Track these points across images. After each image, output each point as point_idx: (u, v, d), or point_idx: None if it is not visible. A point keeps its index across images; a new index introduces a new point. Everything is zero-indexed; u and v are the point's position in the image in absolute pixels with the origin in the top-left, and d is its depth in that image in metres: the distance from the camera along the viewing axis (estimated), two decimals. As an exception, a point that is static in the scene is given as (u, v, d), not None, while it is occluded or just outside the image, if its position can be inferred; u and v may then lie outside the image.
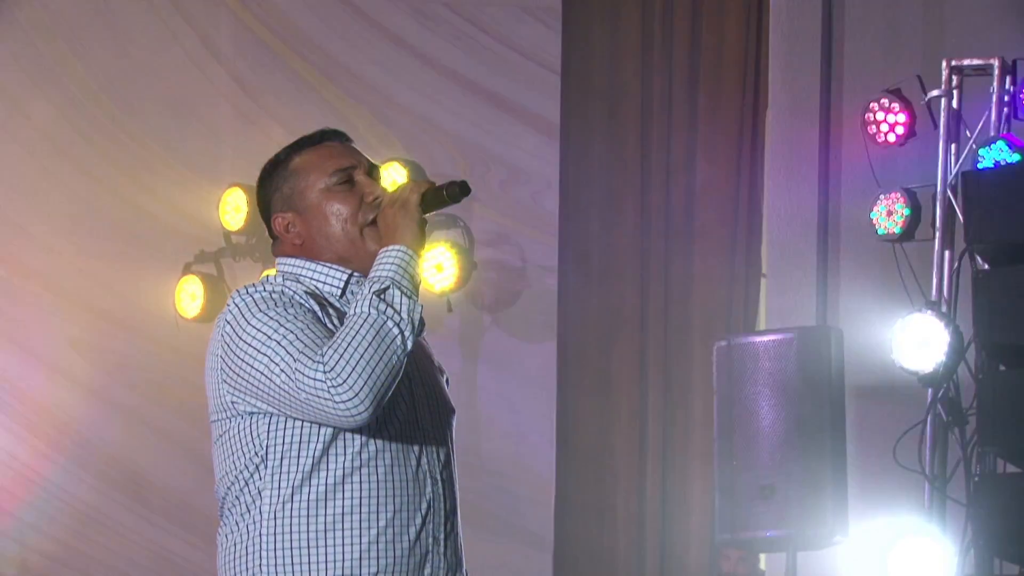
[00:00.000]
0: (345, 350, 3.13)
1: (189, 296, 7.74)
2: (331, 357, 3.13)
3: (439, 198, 3.36)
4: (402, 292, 3.21)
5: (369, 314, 3.17)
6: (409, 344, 3.18)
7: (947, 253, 6.46)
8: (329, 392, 3.12)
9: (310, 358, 3.14)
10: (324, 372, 3.12)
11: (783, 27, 6.97)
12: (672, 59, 7.10)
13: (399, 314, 3.19)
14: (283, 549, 3.22)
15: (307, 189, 3.38)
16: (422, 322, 3.23)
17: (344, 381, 3.12)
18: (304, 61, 7.73)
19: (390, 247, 3.27)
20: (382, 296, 3.19)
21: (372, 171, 3.43)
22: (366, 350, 3.14)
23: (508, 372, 7.37)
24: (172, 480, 7.78)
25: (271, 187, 3.42)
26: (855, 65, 6.83)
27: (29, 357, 8.00)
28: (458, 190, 3.35)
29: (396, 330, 3.17)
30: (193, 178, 7.81)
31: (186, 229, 7.81)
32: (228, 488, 3.30)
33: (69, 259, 7.96)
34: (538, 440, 7.22)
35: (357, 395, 3.12)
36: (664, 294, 7.02)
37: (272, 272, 3.43)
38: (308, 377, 3.13)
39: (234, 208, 7.66)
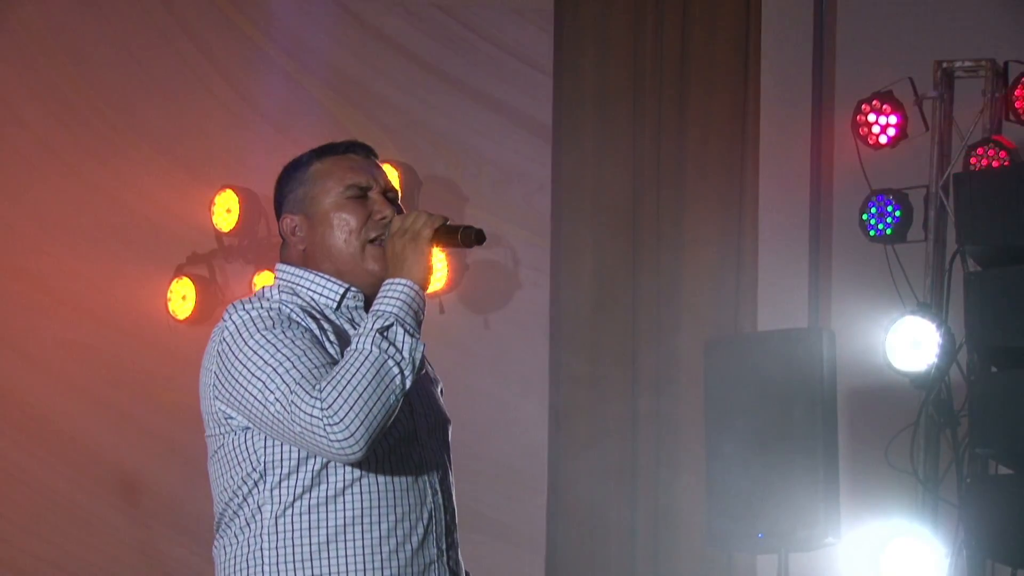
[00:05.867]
0: (344, 388, 3.10)
1: (181, 298, 7.73)
2: (329, 394, 3.10)
3: (452, 240, 3.31)
4: (406, 330, 3.18)
5: (371, 352, 3.13)
6: (408, 384, 3.16)
7: (938, 255, 6.48)
8: (325, 430, 3.09)
9: (307, 392, 3.11)
10: (321, 409, 3.09)
11: (775, 29, 6.98)
12: (664, 59, 7.10)
13: (400, 353, 3.16)
14: (285, 561, 3.21)
15: (320, 195, 3.38)
16: (422, 361, 3.20)
17: (341, 420, 3.09)
18: (296, 63, 7.72)
19: (397, 280, 3.25)
20: (385, 334, 3.16)
21: (388, 192, 3.41)
22: (364, 389, 3.10)
23: (500, 373, 7.36)
24: (162, 481, 7.77)
25: (286, 188, 3.43)
26: (847, 67, 6.84)
27: (20, 358, 8.00)
28: (473, 237, 3.30)
29: (396, 370, 3.14)
30: (185, 180, 7.80)
31: (178, 231, 7.80)
32: (227, 503, 3.29)
33: (61, 261, 7.95)
34: (530, 441, 7.22)
35: (353, 435, 3.09)
36: (656, 295, 7.01)
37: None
38: (304, 412, 3.10)
39: (226, 210, 7.66)
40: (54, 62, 8.01)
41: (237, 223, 7.63)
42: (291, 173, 3.43)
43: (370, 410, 3.10)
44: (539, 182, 7.33)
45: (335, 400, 3.09)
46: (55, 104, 8.01)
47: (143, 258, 7.85)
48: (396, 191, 3.44)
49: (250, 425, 3.23)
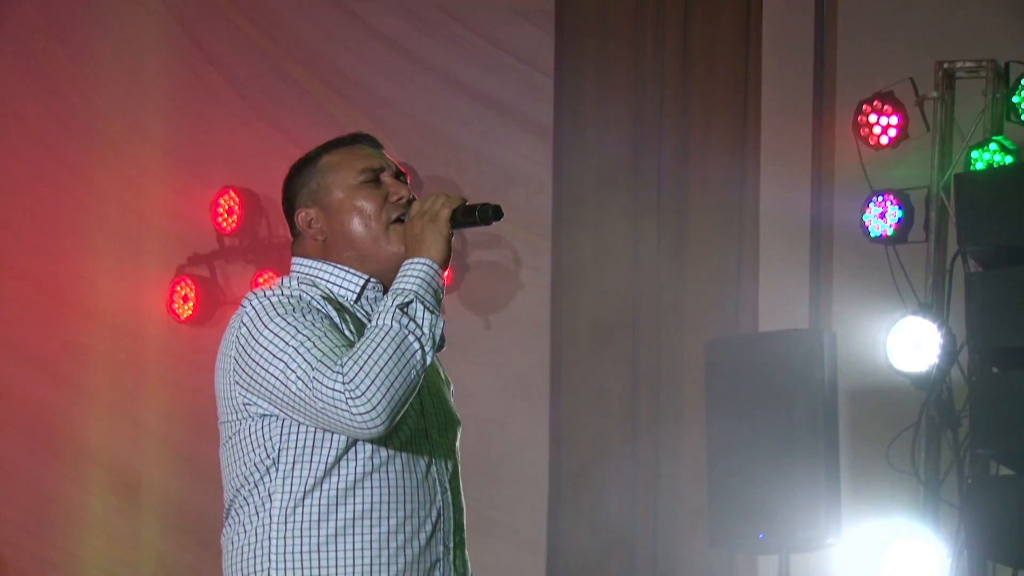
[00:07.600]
0: (365, 362, 3.13)
1: (182, 298, 7.74)
2: (351, 368, 3.13)
3: (470, 218, 3.34)
4: (425, 307, 3.21)
5: (391, 327, 3.17)
6: (428, 360, 3.19)
7: (939, 255, 6.48)
8: (347, 403, 3.12)
9: (329, 367, 3.14)
10: (343, 383, 3.12)
11: (776, 30, 6.98)
12: (664, 61, 7.10)
13: (421, 328, 3.18)
14: (293, 552, 3.22)
15: (333, 185, 3.39)
16: (442, 338, 3.23)
17: (363, 393, 3.11)
18: (297, 63, 7.72)
19: (416, 259, 3.27)
20: (405, 310, 3.19)
21: (399, 176, 3.44)
22: (386, 363, 3.13)
23: (501, 374, 7.36)
24: (164, 482, 7.77)
25: (298, 183, 3.44)
26: (848, 67, 6.83)
27: (20, 358, 7.99)
28: (491, 213, 3.32)
29: (417, 345, 3.17)
30: (186, 180, 7.80)
31: (179, 231, 7.80)
32: (237, 490, 3.30)
33: (62, 261, 7.95)
34: (530, 442, 7.22)
35: (375, 408, 3.12)
36: (657, 296, 7.02)
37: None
38: (326, 387, 3.13)
39: (227, 210, 7.67)
40: (54, 62, 8.01)
41: (238, 224, 7.64)
42: (301, 168, 3.45)
43: (392, 384, 3.13)
44: (539, 183, 7.33)
45: (357, 374, 3.12)
46: (55, 104, 8.00)
47: (144, 258, 7.84)
48: (406, 175, 3.47)
49: (269, 411, 3.24)
